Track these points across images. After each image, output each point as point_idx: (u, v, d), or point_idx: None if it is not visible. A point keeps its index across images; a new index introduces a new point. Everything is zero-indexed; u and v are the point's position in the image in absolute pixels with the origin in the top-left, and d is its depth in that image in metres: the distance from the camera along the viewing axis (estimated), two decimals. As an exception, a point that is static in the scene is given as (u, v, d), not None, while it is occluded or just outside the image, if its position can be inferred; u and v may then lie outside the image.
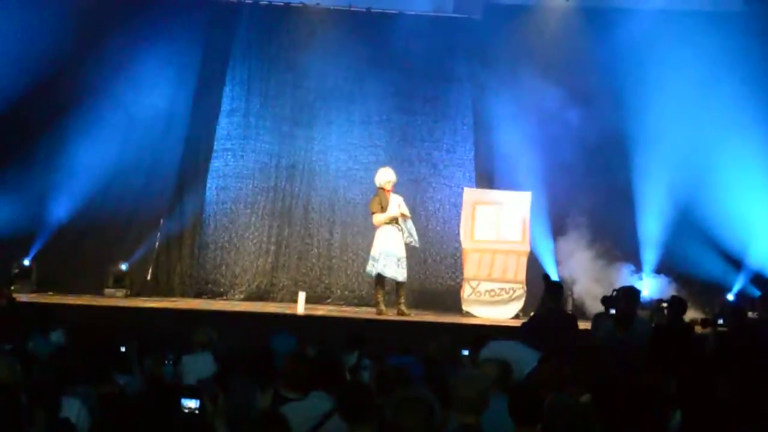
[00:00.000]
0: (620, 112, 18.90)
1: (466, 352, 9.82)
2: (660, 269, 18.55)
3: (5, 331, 11.09)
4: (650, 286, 18.14)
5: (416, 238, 16.87)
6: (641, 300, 13.43)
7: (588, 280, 18.39)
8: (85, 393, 6.95)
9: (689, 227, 18.49)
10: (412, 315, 16.72)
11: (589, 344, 11.31)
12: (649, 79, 18.45)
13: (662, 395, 6.45)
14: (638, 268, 18.60)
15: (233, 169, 19.75)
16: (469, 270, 17.88)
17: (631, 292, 11.58)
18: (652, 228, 18.75)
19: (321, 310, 16.87)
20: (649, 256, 18.76)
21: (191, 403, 6.02)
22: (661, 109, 18.17)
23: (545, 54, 19.26)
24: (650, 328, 11.48)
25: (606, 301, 12.99)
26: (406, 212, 16.68)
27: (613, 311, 11.84)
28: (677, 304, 12.11)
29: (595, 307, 15.26)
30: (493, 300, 17.62)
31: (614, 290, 12.27)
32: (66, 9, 18.41)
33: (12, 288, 16.24)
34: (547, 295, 11.77)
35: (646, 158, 18.78)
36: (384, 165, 17.57)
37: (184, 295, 19.11)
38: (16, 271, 17.99)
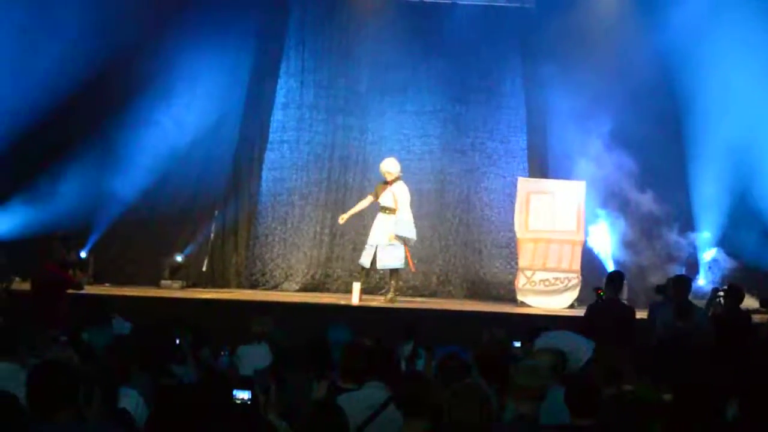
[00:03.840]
0: (675, 100, 18.77)
1: (517, 344, 9.81)
2: (716, 258, 18.41)
3: (69, 321, 11.23)
4: (706, 275, 18.04)
5: (406, 234, 16.82)
6: (697, 289, 13.35)
7: (644, 268, 18.29)
8: (143, 384, 7.00)
9: (746, 215, 18.35)
10: (387, 301, 16.77)
11: (647, 335, 11.28)
12: (705, 66, 18.21)
13: (720, 385, 6.41)
14: (695, 257, 18.49)
15: (288, 160, 19.79)
16: (523, 259, 17.83)
17: (683, 281, 11.52)
18: (708, 216, 18.60)
19: (376, 301, 16.88)
20: (706, 244, 18.62)
21: (243, 395, 6.05)
22: (716, 96, 17.97)
23: (599, 42, 19.11)
24: (708, 317, 11.41)
25: (660, 290, 12.92)
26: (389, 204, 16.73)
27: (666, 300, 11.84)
28: (734, 293, 12.03)
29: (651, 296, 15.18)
30: (548, 290, 17.55)
31: (668, 279, 12.20)
32: (123, 1, 18.53)
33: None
34: (606, 285, 11.73)
35: (702, 146, 18.62)
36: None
37: (239, 286, 19.22)
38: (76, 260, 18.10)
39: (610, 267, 18.29)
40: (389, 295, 16.74)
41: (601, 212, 18.75)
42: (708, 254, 18.47)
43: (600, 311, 11.52)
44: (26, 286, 14.20)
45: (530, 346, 9.24)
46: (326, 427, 5.22)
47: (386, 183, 16.74)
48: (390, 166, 16.81)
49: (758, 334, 11.98)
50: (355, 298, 16.34)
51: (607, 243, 18.80)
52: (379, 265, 16.73)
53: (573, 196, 17.90)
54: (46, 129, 18.33)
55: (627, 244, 18.67)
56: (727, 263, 18.16)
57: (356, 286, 16.54)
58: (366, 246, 16.87)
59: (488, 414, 5.65)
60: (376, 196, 16.82)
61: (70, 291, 13.27)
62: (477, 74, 19.98)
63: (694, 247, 18.62)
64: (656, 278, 17.42)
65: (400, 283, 17.99)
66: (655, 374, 7.95)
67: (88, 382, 6.10)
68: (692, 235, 18.64)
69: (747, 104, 17.90)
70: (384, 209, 16.71)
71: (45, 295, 13.15)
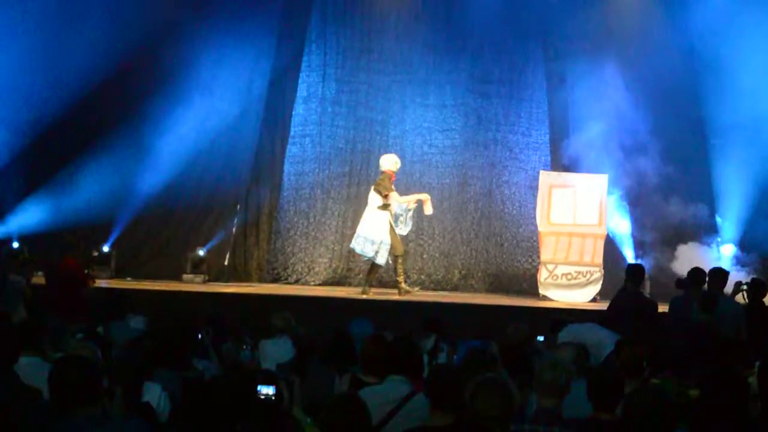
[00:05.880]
0: (700, 94, 18.72)
1: (540, 338, 9.80)
2: (741, 252, 18.35)
3: (85, 316, 11.25)
4: (732, 269, 17.98)
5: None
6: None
7: (667, 259, 18.22)
8: (166, 378, 7.02)
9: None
10: (414, 291, 17.04)
11: (668, 328, 11.24)
12: (730, 59, 18.12)
13: (743, 380, 6.39)
14: (718, 250, 18.43)
15: (310, 154, 19.79)
16: (545, 253, 17.80)
17: (720, 273, 11.47)
18: (732, 210, 18.54)
19: (397, 295, 16.84)
20: (729, 237, 18.56)
21: (267, 390, 6.05)
22: (741, 90, 17.86)
23: (622, 34, 19.12)
24: (739, 308, 11.34)
25: (680, 283, 12.85)
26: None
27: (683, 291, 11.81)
28: (757, 287, 11.97)
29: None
30: (570, 283, 17.52)
31: (688, 272, 12.12)
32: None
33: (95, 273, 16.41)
34: (627, 278, 11.70)
35: (725, 139, 18.57)
36: (390, 152, 17.82)
37: (261, 280, 19.23)
38: (96, 254, 18.16)
39: (628, 251, 18.40)
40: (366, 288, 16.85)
41: (623, 204, 18.73)
42: (727, 248, 18.45)
43: (622, 304, 11.47)
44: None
45: (553, 340, 9.24)
46: (349, 421, 5.22)
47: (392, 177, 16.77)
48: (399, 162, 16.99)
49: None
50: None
51: (627, 235, 18.80)
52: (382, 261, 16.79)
53: (595, 189, 17.87)
54: (69, 124, 18.41)
55: (646, 243, 18.68)
56: (747, 257, 18.17)
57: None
58: (384, 246, 16.74)
59: (511, 407, 5.65)
60: (388, 188, 16.74)
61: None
62: (499, 67, 19.94)
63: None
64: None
65: (422, 276, 18.00)
66: (679, 368, 7.93)
67: (110, 377, 6.12)
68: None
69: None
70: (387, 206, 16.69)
71: (64, 290, 13.22)
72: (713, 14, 17.85)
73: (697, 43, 18.40)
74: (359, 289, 17.23)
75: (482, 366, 7.03)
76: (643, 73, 18.79)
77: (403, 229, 16.90)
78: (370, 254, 16.59)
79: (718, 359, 8.47)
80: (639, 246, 18.73)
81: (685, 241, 18.42)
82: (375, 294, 16.79)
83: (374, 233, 16.53)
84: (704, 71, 18.55)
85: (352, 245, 16.99)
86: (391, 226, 16.58)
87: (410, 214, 16.94)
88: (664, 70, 18.68)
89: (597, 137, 18.63)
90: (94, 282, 14.59)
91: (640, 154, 18.54)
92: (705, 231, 18.62)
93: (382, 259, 16.61)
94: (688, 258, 17.56)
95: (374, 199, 16.70)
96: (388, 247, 16.51)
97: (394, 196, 16.56)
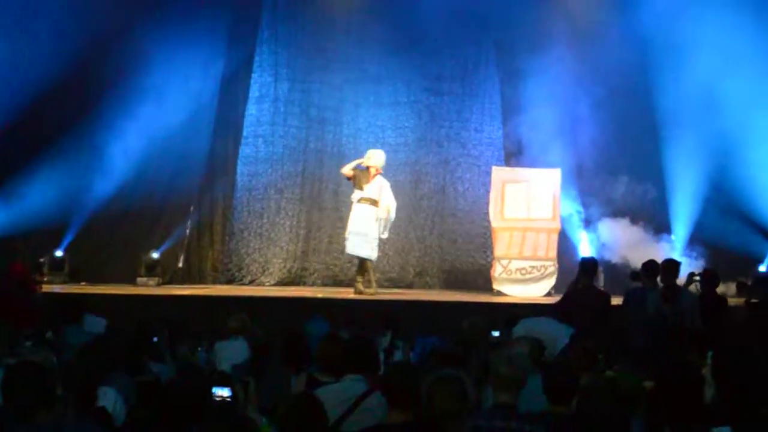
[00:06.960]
0: (649, 88, 18.84)
1: (496, 333, 9.82)
2: (692, 242, 18.49)
3: (37, 321, 11.17)
4: (682, 259, 18.10)
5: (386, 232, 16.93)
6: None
7: (622, 253, 18.30)
8: (121, 382, 6.98)
9: (721, 200, 18.45)
10: (371, 294, 16.55)
11: (623, 321, 11.30)
12: (678, 53, 18.29)
13: (698, 370, 6.43)
14: (670, 242, 18.55)
15: (264, 154, 19.74)
16: (499, 249, 17.86)
17: (672, 264, 11.56)
18: (684, 202, 18.69)
19: (352, 293, 16.84)
20: (681, 229, 18.70)
21: (222, 392, 6.05)
22: (690, 84, 18.00)
23: (573, 30, 19.23)
24: (697, 299, 11.43)
25: (635, 276, 12.94)
26: (389, 199, 16.68)
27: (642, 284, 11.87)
28: (710, 277, 12.07)
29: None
30: (524, 278, 17.60)
31: (642, 265, 12.19)
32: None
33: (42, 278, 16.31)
34: (580, 272, 11.74)
35: (675, 132, 18.72)
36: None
37: (216, 282, 19.22)
38: (42, 260, 18.00)
39: (582, 243, 18.52)
40: (373, 288, 16.69)
41: (575, 201, 18.86)
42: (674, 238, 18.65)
43: (576, 298, 11.51)
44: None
45: (509, 335, 9.27)
46: (305, 421, 5.21)
47: (371, 173, 16.64)
48: (382, 160, 16.83)
49: (734, 317, 12.03)
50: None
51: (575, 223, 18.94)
52: (373, 255, 16.67)
53: (548, 184, 17.96)
54: (20, 128, 18.22)
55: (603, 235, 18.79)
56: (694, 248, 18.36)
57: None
58: (355, 236, 16.59)
59: (467, 403, 5.66)
60: (363, 181, 16.63)
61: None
62: (451, 64, 20.06)
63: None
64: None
65: (377, 274, 18.01)
66: (636, 360, 7.98)
67: (63, 382, 6.08)
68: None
69: (723, 93, 17.94)
70: (368, 200, 16.57)
71: (11, 295, 13.14)
72: (665, 4, 17.98)
73: (648, 33, 18.47)
74: (315, 288, 17.25)
75: (438, 362, 7.04)
76: (596, 65, 18.94)
77: (385, 233, 16.84)
78: (373, 255, 16.63)
79: (676, 351, 8.53)
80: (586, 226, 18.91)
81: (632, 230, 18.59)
82: (330, 293, 16.81)
83: (365, 229, 16.49)
84: (656, 61, 18.66)
85: (351, 251, 16.93)
86: (366, 221, 16.51)
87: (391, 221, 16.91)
88: (616, 61, 18.83)
89: (545, 125, 18.71)
90: (41, 288, 14.51)
91: (590, 143, 18.69)
92: (654, 220, 18.77)
93: (348, 245, 16.63)
94: (636, 248, 17.76)
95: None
96: (355, 238, 16.48)
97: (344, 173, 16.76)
